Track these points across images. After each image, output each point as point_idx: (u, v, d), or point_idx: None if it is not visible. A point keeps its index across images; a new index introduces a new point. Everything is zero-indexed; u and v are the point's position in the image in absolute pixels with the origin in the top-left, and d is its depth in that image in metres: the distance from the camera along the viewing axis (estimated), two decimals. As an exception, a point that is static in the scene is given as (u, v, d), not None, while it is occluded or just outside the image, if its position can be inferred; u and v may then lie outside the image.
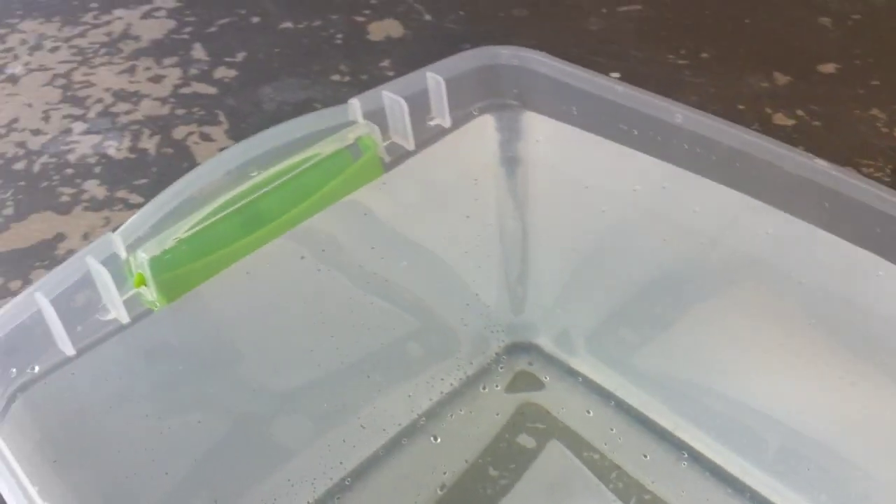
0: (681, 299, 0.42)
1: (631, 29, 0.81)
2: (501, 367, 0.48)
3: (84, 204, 0.62)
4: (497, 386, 0.47)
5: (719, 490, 0.41)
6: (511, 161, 0.43)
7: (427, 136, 0.41)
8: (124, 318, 0.33)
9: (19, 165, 0.66)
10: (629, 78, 0.73)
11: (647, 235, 0.41)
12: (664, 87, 0.71)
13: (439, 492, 0.42)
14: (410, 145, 0.40)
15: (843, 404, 0.37)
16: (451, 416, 0.45)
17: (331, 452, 0.42)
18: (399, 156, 0.40)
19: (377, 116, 0.39)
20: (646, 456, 0.43)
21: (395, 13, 0.86)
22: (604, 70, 0.74)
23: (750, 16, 0.82)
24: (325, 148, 0.38)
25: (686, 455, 0.43)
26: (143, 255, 0.33)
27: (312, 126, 0.38)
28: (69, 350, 0.32)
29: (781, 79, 0.72)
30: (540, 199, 0.44)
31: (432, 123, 0.41)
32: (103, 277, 0.32)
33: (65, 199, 0.63)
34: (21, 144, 0.69)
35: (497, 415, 0.45)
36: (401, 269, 0.42)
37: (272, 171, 0.36)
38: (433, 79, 0.40)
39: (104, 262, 0.32)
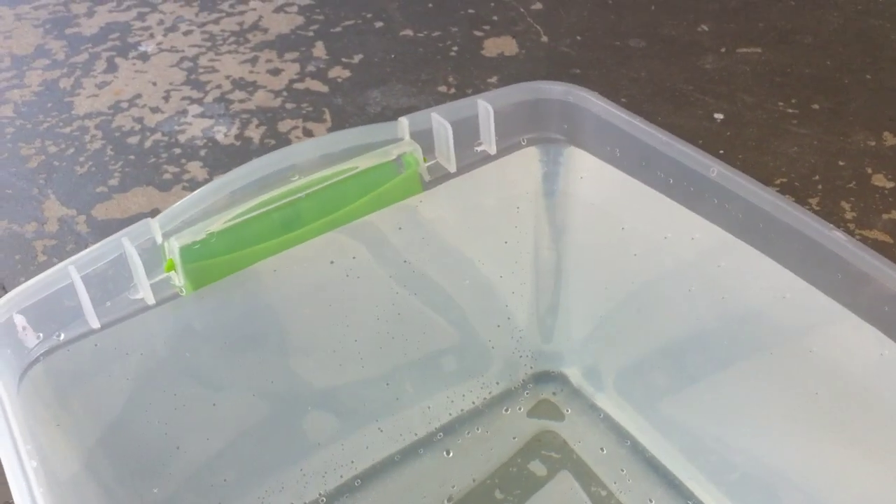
0: (706, 352, 0.41)
1: (746, 71, 0.80)
2: (527, 393, 0.48)
3: (184, 184, 0.66)
4: (519, 409, 0.48)
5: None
6: (553, 193, 0.44)
7: (472, 161, 0.42)
8: (150, 300, 0.35)
9: (133, 140, 0.71)
10: (732, 121, 0.73)
11: (675, 284, 0.41)
12: (765, 134, 0.70)
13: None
14: (452, 167, 0.41)
15: (859, 476, 0.36)
16: (469, 433, 0.46)
17: (344, 451, 0.44)
18: (440, 176, 0.41)
19: (425, 136, 0.41)
20: (651, 501, 0.43)
21: (513, 31, 0.87)
22: (708, 110, 0.74)
23: (872, 72, 0.79)
24: (367, 161, 0.40)
25: None
26: (174, 243, 0.36)
27: (361, 139, 0.40)
28: (94, 323, 0.34)
29: (891, 139, 0.69)
30: (577, 233, 0.44)
31: (479, 149, 0.42)
32: (135, 259, 0.35)
33: (167, 177, 0.67)
34: (139, 120, 0.74)
35: (514, 438, 0.46)
36: (432, 285, 0.44)
37: (313, 177, 0.38)
38: (483, 107, 0.41)
39: (141, 245, 0.35)
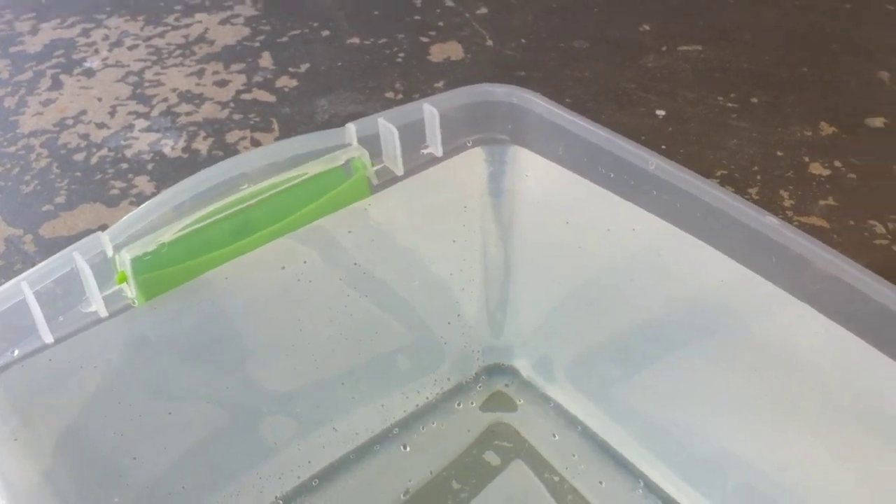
0: (653, 338, 0.43)
1: (686, 68, 0.82)
2: (479, 387, 0.50)
3: (131, 199, 0.66)
4: (472, 403, 0.49)
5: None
6: (499, 192, 0.45)
7: (419, 164, 0.43)
8: (103, 312, 0.36)
9: (79, 156, 0.71)
10: (674, 117, 0.74)
11: (620, 274, 0.42)
12: (706, 129, 0.72)
13: (402, 497, 0.44)
14: (399, 171, 0.42)
15: (801, 449, 0.38)
16: (424, 428, 0.47)
17: (300, 452, 0.44)
18: (388, 179, 0.42)
19: (372, 141, 0.41)
20: (602, 483, 0.44)
21: (459, 36, 0.88)
22: (651, 107, 0.76)
23: (809, 65, 0.81)
24: (316, 167, 0.40)
25: (642, 484, 0.44)
26: (126, 255, 0.36)
27: (309, 145, 0.41)
28: (48, 338, 0.34)
29: (827, 129, 0.71)
30: (524, 230, 0.46)
31: (425, 152, 0.43)
32: (86, 272, 0.35)
33: (114, 192, 0.67)
34: (84, 136, 0.73)
35: (468, 431, 0.47)
36: (383, 286, 0.45)
37: (262, 184, 0.39)
38: (429, 110, 0.42)
39: (92, 259, 0.35)
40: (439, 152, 0.43)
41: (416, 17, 0.92)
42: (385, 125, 0.41)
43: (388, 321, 0.46)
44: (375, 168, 0.42)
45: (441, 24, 0.91)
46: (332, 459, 0.45)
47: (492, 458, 0.46)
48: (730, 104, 0.75)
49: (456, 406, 0.48)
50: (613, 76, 0.81)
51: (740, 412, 0.39)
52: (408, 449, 0.46)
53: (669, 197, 0.38)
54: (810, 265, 0.33)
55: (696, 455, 0.42)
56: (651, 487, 0.44)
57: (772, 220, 0.34)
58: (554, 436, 0.47)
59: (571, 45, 0.87)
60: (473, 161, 0.44)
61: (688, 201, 0.37)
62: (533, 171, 0.43)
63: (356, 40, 0.88)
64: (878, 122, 0.72)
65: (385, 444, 0.46)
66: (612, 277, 0.43)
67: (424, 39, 0.88)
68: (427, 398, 0.48)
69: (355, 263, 0.43)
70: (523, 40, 0.87)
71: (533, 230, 0.45)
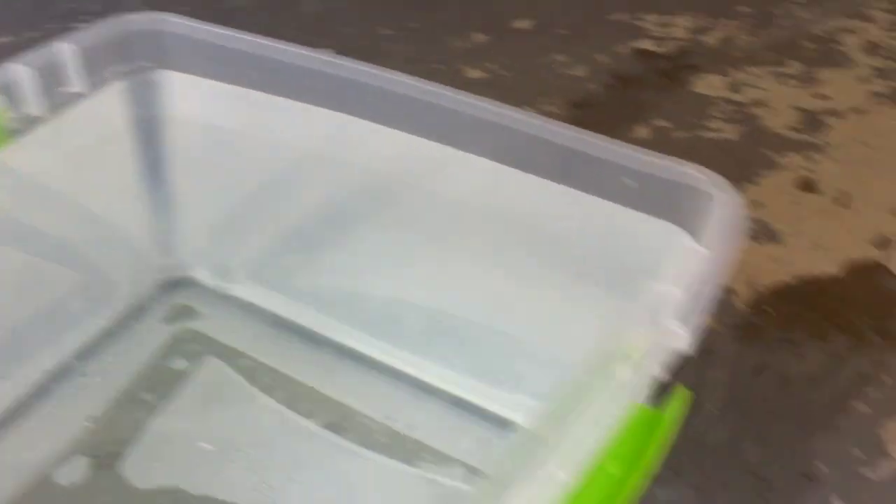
0: (330, 222, 0.44)
1: (344, 7, 0.84)
2: (159, 303, 0.49)
3: None
4: (153, 319, 0.48)
5: (359, 371, 0.46)
6: (152, 119, 0.44)
7: (62, 102, 0.41)
8: None
9: None
10: (341, 52, 0.75)
11: (289, 170, 0.44)
12: (368, 56, 0.73)
13: (87, 424, 0.43)
14: (40, 112, 0.40)
15: (469, 280, 0.42)
16: (104, 353, 0.46)
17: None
18: (29, 123, 0.40)
19: (7, 89, 0.39)
20: (290, 351, 0.46)
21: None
22: (317, 46, 0.77)
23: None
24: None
25: (331, 349, 0.47)
26: None
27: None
28: None
29: (479, 38, 0.76)
30: (184, 150, 0.45)
31: (69, 91, 0.41)
32: None
33: None
34: None
35: (154, 346, 0.46)
36: (39, 232, 0.43)
37: None
38: (66, 48, 0.41)
39: None
40: (83, 89, 0.41)
41: (72, 6, 0.88)
42: (15, 69, 0.39)
43: (50, 267, 0.44)
44: (11, 115, 0.39)
45: (97, 7, 0.87)
46: (4, 408, 0.43)
47: (181, 363, 0.46)
48: (390, 32, 0.78)
49: (139, 327, 0.47)
50: (276, 26, 0.81)
51: (413, 264, 0.43)
52: (89, 377, 0.45)
53: (331, 86, 0.39)
54: (462, 115, 0.36)
55: (375, 310, 0.45)
56: (340, 348, 0.46)
57: (414, 81, 0.37)
58: (242, 329, 0.47)
59: (234, 3, 0.86)
60: (121, 92, 0.43)
61: (341, 84, 0.39)
62: (185, 91, 0.43)
63: (10, 38, 0.82)
64: (524, 24, 0.78)
65: (63, 378, 0.44)
66: (282, 175, 0.44)
67: (79, 27, 0.84)
68: (103, 327, 0.47)
69: (5, 214, 0.41)
70: (187, 7, 0.85)
71: (194, 148, 0.45)
